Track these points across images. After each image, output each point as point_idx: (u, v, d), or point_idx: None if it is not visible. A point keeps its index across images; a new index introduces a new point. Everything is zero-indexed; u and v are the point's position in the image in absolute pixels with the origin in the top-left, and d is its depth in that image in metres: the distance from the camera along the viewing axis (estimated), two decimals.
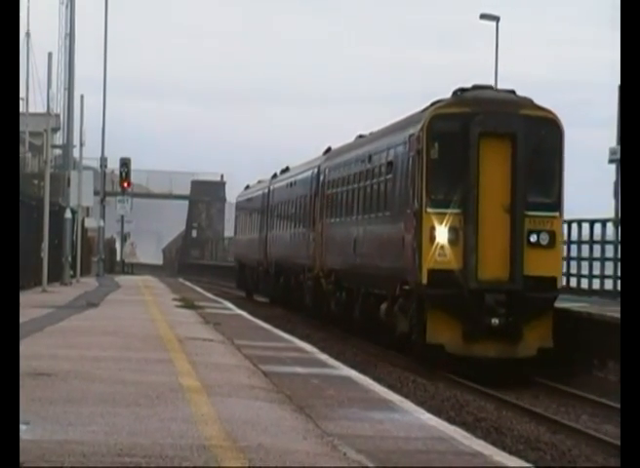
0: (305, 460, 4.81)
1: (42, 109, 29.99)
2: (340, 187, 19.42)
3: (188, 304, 22.24)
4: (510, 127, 12.81)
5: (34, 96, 35.83)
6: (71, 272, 27.27)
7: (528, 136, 12.81)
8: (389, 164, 15.44)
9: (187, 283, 39.11)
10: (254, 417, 6.50)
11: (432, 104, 13.91)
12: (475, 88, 14.04)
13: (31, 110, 33.71)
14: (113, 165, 35.15)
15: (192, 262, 57.44)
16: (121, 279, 35.61)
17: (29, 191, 25.37)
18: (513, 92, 13.65)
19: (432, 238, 12.86)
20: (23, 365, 7.63)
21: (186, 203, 60.88)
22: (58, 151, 31.16)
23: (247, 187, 35.78)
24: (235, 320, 18.28)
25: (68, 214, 26.34)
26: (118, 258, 48.44)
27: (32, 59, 40.37)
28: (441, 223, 12.82)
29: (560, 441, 9.77)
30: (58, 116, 30.74)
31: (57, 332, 13.74)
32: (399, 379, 13.14)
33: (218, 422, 6.13)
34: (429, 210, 13.04)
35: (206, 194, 60.65)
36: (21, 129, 27.04)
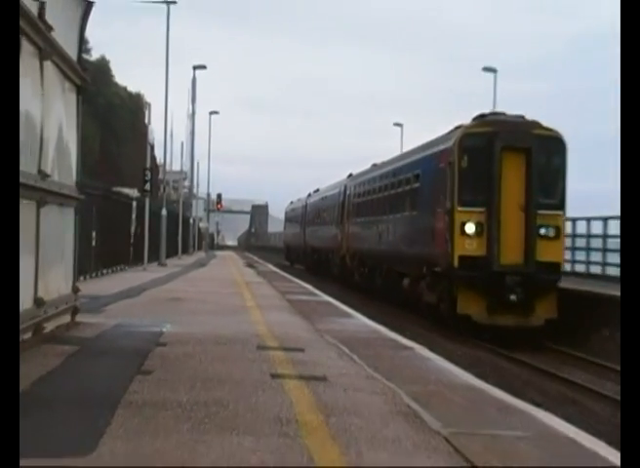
0: (307, 339, 9.41)
1: (178, 169, 56.33)
2: (363, 197, 26.40)
3: (250, 265, 36.80)
4: (526, 142, 15.40)
5: (172, 160, 69.55)
6: (192, 249, 50.34)
7: (539, 150, 15.39)
8: (416, 176, 19.21)
9: (249, 255, 64.20)
10: (282, 321, 11.64)
11: (456, 128, 17.00)
12: (493, 114, 17.48)
13: (174, 169, 58.94)
14: (213, 195, 60.64)
15: (251, 244, 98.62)
16: (216, 253, 60.87)
17: (173, 210, 41.62)
18: (523, 116, 16.62)
19: (462, 231, 15.45)
20: (167, 295, 15.09)
21: (249, 215, 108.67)
22: (186, 190, 55.76)
23: (291, 202, 53.02)
24: (274, 274, 28.90)
25: (191, 221, 51.98)
26: (215, 242, 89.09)
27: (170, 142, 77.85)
28: (468, 219, 15.61)
29: (499, 361, 13.24)
30: (185, 172, 54.93)
31: (184, 279, 22.71)
32: (371, 310, 17.60)
33: (264, 323, 10.95)
34: (459, 208, 15.73)
35: (258, 211, 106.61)
36: (167, 178, 49.21)
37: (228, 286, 20.69)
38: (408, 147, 27.14)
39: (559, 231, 15.71)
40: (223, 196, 59.09)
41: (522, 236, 15.69)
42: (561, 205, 15.90)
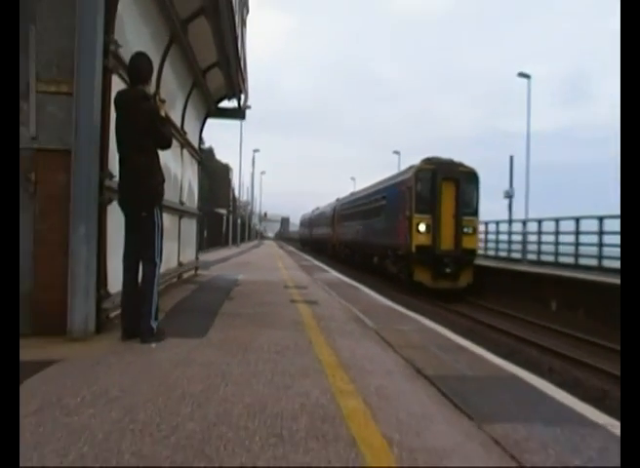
0: (308, 282, 14.76)
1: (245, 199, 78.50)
2: (347, 211, 34.99)
3: (280, 247, 51.15)
4: (456, 175, 21.49)
5: (242, 193, 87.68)
6: (252, 238, 69.78)
7: (463, 180, 21.32)
8: (383, 196, 25.71)
9: (280, 242, 78.12)
10: (296, 274, 17.28)
11: (410, 167, 22.92)
12: (433, 157, 22.53)
13: (243, 199, 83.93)
14: (263, 211, 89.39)
15: (281, 237, 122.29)
16: (263, 242, 73.05)
17: (243, 219, 62.25)
18: (452, 159, 22.29)
19: (417, 229, 21.33)
20: (239, 261, 23.56)
21: (279, 222, 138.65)
22: (249, 209, 78.52)
23: (302, 215, 74.98)
24: (294, 254, 37.74)
25: (252, 225, 74.11)
26: (263, 235, 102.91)
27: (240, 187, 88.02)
28: (420, 222, 21.32)
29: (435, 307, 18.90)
30: (249, 201, 79.96)
31: (248, 253, 33.66)
32: (347, 272, 24.47)
33: (287, 275, 16.57)
34: (415, 215, 21.44)
35: (284, 220, 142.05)
36: (240, 204, 73.22)
37: (269, 256, 29.53)
38: (360, 187, 39.33)
39: (475, 229, 21.77)
40: (267, 212, 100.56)
41: (453, 232, 21.35)
42: (475, 213, 21.77)
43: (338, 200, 42.88)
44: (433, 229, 21.15)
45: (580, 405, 4.61)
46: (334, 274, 18.94)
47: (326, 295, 11.55)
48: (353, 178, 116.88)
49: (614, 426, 4.05)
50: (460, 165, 21.83)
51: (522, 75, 32.40)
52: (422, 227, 21.22)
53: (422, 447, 3.28)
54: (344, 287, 14.13)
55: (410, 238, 21.28)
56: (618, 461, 3.27)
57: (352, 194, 37.79)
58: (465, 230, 21.40)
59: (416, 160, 25.62)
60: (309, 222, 62.44)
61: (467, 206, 21.45)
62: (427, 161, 22.06)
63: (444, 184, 21.32)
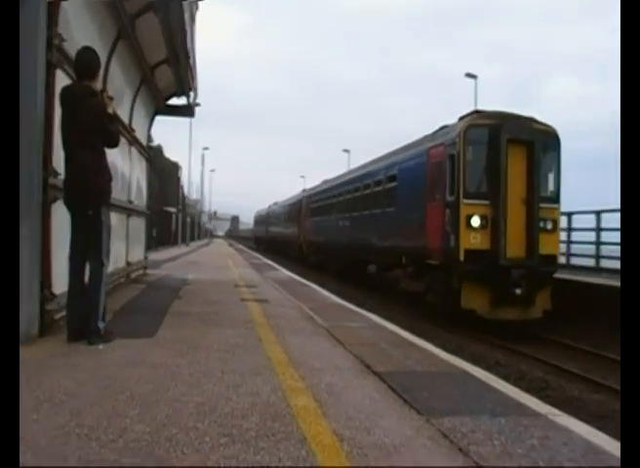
0: (258, 281, 14.87)
1: (194, 197, 76.64)
2: (321, 203, 28.24)
3: (230, 245, 52.99)
4: (530, 135, 13.51)
5: (191, 192, 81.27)
6: (202, 237, 72.53)
7: (540, 144, 13.48)
8: (392, 177, 17.50)
9: (230, 241, 79.71)
10: (246, 272, 17.96)
11: (445, 127, 15.08)
12: (487, 111, 14.40)
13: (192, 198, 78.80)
14: (212, 210, 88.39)
15: (231, 235, 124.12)
16: (213, 240, 76.69)
17: (193, 218, 61.07)
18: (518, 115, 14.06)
19: (469, 224, 13.53)
20: (188, 260, 23.45)
21: (229, 220, 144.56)
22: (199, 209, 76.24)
23: (257, 211, 67.70)
24: (244, 252, 38.32)
25: (201, 224, 77.23)
26: (213, 234, 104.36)
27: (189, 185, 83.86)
28: (474, 213, 13.54)
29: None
30: (199, 199, 79.07)
31: (198, 252, 33.89)
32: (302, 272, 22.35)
33: (238, 274, 16.78)
34: (465, 201, 13.43)
35: (234, 219, 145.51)
36: (189, 202, 68.07)
37: (219, 255, 29.81)
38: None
39: (556, 224, 14.06)
40: (217, 210, 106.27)
41: (525, 229, 14.08)
42: (557, 198, 14.14)
43: (304, 191, 36.23)
44: (495, 224, 13.23)
45: (524, 396, 4.79)
46: (285, 272, 18.91)
47: (277, 294, 11.60)
48: (303, 177, 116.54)
49: (554, 414, 4.22)
50: (534, 120, 13.93)
51: (469, 75, 33.09)
52: (477, 221, 13.38)
53: (372, 442, 3.29)
54: (295, 285, 14.22)
55: (455, 238, 13.39)
56: (559, 449, 3.47)
57: (326, 182, 29.39)
58: (543, 225, 13.81)
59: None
60: (266, 219, 54.32)
61: (546, 186, 14.05)
62: (481, 115, 14.04)
63: (511, 150, 13.37)
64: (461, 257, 13.05)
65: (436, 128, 15.55)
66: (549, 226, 13.89)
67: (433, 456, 3.19)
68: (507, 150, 13.24)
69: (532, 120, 13.89)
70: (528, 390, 5.69)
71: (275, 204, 50.18)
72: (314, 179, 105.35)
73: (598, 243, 17.66)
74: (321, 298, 11.43)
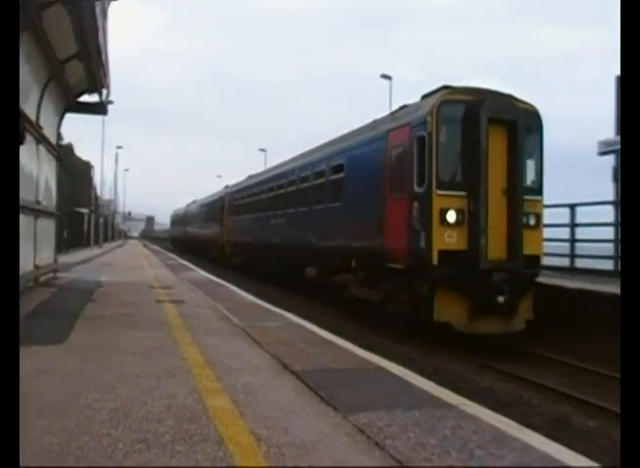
0: (174, 282, 14.87)
1: (107, 197, 75.47)
2: (247, 199, 24.83)
3: (145, 246, 53.07)
4: (512, 115, 11.21)
5: (104, 192, 78.80)
6: (116, 238, 72.30)
7: (523, 125, 11.24)
8: (338, 166, 14.79)
9: (145, 242, 78.17)
10: (161, 273, 17.93)
11: (411, 105, 12.38)
12: (461, 87, 11.73)
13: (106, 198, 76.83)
14: (127, 211, 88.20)
15: (146, 236, 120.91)
16: (128, 241, 76.12)
17: (106, 219, 60.34)
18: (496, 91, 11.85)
19: (444, 219, 11.08)
20: (102, 261, 22.33)
21: (144, 221, 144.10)
22: (113, 209, 75.65)
23: (174, 210, 63.73)
24: (159, 253, 38.24)
25: (115, 224, 75.97)
26: (127, 235, 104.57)
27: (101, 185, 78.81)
28: (449, 206, 11.03)
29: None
30: (113, 200, 77.42)
31: (111, 254, 33.30)
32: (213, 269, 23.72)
33: (152, 275, 16.84)
34: (438, 192, 10.85)
35: (149, 219, 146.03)
36: (102, 203, 67.41)
37: (134, 256, 29.43)
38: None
39: (539, 219, 11.74)
40: (131, 211, 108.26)
41: (506, 226, 11.35)
42: (540, 189, 11.85)
43: (227, 187, 32.44)
44: (473, 220, 10.62)
45: (437, 388, 4.92)
46: (201, 273, 18.85)
47: (192, 294, 11.57)
48: (220, 176, 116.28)
49: (465, 405, 4.38)
50: (513, 97, 11.54)
51: (384, 77, 33.91)
52: (453, 216, 10.60)
53: (290, 441, 3.32)
54: (211, 285, 14.21)
55: (426, 237, 10.62)
56: (470, 438, 3.61)
57: (252, 176, 26.71)
58: (526, 221, 11.26)
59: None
60: (183, 219, 50.80)
61: (529, 175, 11.63)
62: (454, 90, 11.23)
63: (492, 132, 10.76)
64: (434, 260, 10.35)
65: (395, 108, 13.02)
66: (532, 222, 11.48)
67: (350, 452, 3.23)
68: (487, 131, 10.68)
69: (511, 97, 11.54)
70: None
71: (194, 202, 46.11)
72: (231, 179, 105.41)
73: (573, 240, 15.18)
74: (238, 298, 11.45)
